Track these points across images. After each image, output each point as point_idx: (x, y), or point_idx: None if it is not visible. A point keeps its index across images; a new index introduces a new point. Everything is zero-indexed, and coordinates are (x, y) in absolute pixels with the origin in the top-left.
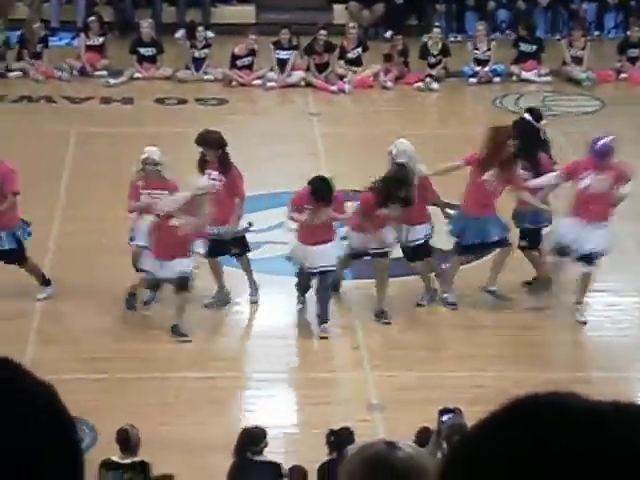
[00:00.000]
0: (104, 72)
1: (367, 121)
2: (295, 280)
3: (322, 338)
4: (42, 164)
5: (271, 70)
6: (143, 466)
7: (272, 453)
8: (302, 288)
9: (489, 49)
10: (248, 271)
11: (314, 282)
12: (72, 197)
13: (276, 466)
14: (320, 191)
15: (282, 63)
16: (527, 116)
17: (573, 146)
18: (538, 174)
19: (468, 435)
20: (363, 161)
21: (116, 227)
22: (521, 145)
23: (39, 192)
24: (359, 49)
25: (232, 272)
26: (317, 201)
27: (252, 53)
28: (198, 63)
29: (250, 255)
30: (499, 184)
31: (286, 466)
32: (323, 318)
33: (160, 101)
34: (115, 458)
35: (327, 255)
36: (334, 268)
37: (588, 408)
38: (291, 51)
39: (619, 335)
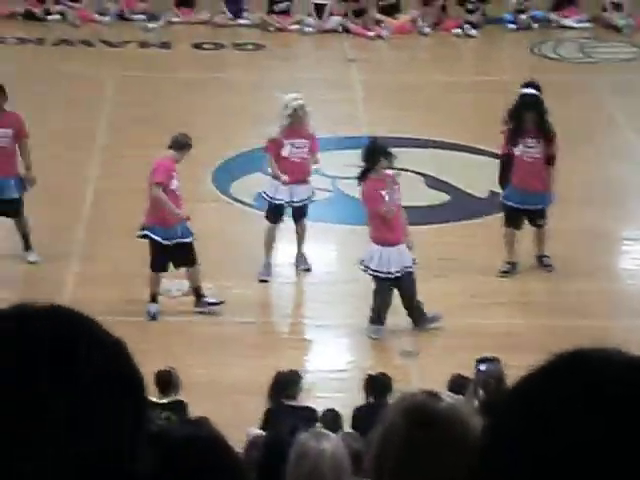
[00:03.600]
0: (142, 16)
1: (404, 67)
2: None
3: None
4: (80, 108)
5: (309, 15)
6: (181, 405)
7: (308, 398)
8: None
9: None
10: None
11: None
12: (111, 140)
13: (311, 411)
14: None
15: (319, 8)
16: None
17: (611, 94)
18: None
19: (519, 387)
20: (400, 108)
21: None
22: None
23: (77, 135)
24: None
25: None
26: None
27: None
28: (236, 7)
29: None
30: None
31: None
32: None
33: (197, 46)
34: (153, 398)
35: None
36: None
37: (634, 363)
38: None
39: None
